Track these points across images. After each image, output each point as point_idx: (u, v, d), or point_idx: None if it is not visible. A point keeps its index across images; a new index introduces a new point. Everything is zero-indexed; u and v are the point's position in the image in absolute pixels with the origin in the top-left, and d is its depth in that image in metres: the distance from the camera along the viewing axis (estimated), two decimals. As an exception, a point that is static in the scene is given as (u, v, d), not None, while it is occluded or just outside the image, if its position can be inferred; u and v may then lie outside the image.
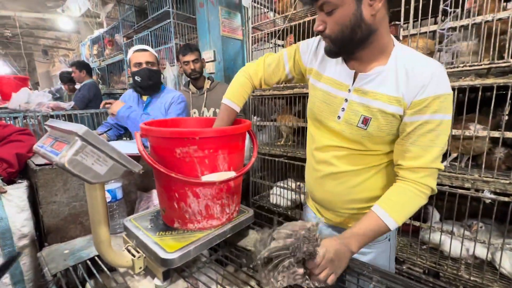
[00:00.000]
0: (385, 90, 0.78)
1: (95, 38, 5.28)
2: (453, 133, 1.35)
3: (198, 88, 2.38)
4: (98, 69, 5.31)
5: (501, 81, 1.13)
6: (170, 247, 0.80)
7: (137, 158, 0.89)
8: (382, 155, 0.89)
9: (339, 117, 0.87)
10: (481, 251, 1.38)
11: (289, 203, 2.24)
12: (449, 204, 1.58)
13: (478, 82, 1.18)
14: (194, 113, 2.36)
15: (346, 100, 0.85)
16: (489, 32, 1.18)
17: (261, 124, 2.38)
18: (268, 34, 2.26)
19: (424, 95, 0.73)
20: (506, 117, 1.32)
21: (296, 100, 2.11)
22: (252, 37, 2.30)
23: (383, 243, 0.98)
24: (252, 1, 2.25)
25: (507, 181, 1.19)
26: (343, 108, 0.86)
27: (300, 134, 2.17)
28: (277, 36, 2.15)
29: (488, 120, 1.32)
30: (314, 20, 1.82)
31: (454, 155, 1.47)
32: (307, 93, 1.86)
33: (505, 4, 1.21)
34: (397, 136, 0.83)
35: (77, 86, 4.06)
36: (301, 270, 0.71)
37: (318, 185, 1.03)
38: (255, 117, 2.37)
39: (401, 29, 1.39)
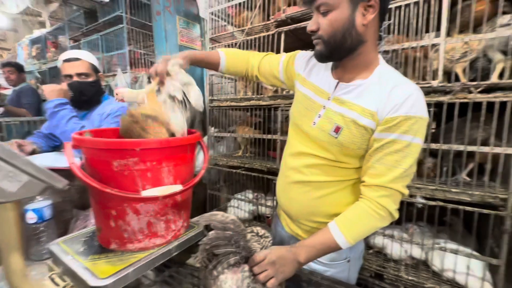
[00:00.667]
0: (362, 102, 0.80)
1: (35, 38, 4.75)
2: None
3: None
4: (38, 72, 4.76)
5: (427, 99, 1.29)
6: (103, 272, 0.71)
7: (68, 172, 0.79)
8: (352, 170, 0.89)
9: (314, 123, 0.89)
10: (417, 252, 1.52)
11: (247, 215, 2.22)
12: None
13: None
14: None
15: (324, 107, 0.88)
16: (414, 56, 1.36)
17: (219, 135, 2.35)
18: (226, 46, 2.29)
19: (396, 113, 0.74)
20: (433, 130, 1.52)
21: (254, 112, 2.14)
22: (210, 48, 2.30)
23: (342, 263, 0.96)
24: (210, 13, 2.26)
25: (434, 187, 1.34)
26: (319, 115, 0.88)
27: (258, 145, 2.19)
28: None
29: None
30: (270, 36, 1.90)
31: None
32: (265, 105, 1.94)
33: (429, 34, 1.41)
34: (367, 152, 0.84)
35: (7, 91, 3.59)
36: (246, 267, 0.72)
37: (284, 191, 1.04)
38: (212, 128, 2.33)
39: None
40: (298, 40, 1.99)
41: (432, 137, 1.36)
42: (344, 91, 0.85)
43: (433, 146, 1.34)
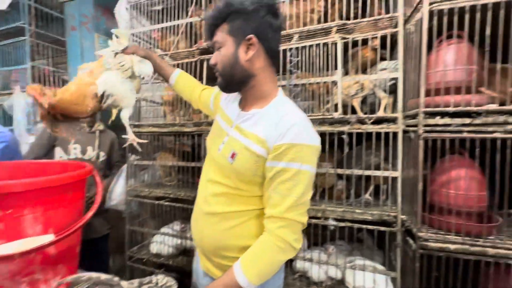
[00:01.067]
0: (255, 130, 0.85)
1: None
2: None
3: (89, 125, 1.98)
4: None
5: (330, 129, 1.44)
6: None
7: None
8: (256, 199, 0.89)
9: (219, 149, 0.93)
10: (334, 272, 1.59)
11: (172, 250, 2.02)
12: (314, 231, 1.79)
13: (316, 129, 1.47)
14: (75, 148, 1.89)
15: (228, 134, 0.93)
16: (319, 91, 1.52)
17: (140, 163, 2.15)
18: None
19: (282, 141, 0.78)
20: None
21: (180, 138, 2.04)
22: (131, 70, 2.15)
23: None
24: (131, 34, 2.14)
25: (342, 209, 1.45)
26: (223, 142, 0.92)
27: (186, 173, 2.07)
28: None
29: (332, 157, 1.67)
30: (193, 62, 1.89)
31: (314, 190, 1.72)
32: (188, 132, 1.88)
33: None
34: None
35: None
36: None
37: (196, 222, 1.00)
38: (133, 156, 2.12)
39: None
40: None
41: (339, 162, 1.50)
42: (242, 119, 0.91)
43: (339, 171, 1.47)
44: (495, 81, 1.21)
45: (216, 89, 1.20)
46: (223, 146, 0.91)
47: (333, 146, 1.65)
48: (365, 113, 1.47)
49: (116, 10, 2.23)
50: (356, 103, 1.49)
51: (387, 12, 1.42)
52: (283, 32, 1.59)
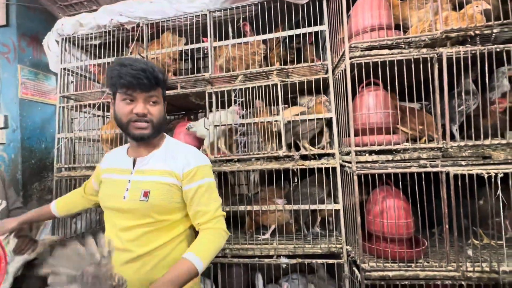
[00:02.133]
0: (158, 166, 1.02)
1: None
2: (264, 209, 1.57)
3: None
4: None
5: (278, 166, 1.49)
6: None
7: None
8: (179, 223, 1.05)
9: (124, 197, 0.99)
10: (291, 311, 1.55)
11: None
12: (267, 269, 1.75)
13: (264, 166, 1.50)
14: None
15: (129, 181, 1.02)
16: (268, 128, 1.58)
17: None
18: (87, 105, 1.98)
19: (190, 167, 1.01)
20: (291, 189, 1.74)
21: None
22: (61, 107, 1.93)
23: None
24: (62, 68, 1.96)
25: (293, 245, 1.46)
26: (127, 189, 1.01)
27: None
28: (97, 106, 1.90)
29: (281, 191, 1.71)
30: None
31: (273, 227, 1.69)
32: None
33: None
34: (182, 204, 1.04)
35: None
36: None
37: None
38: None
39: (205, 119, 1.60)
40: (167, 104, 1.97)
41: (290, 197, 1.54)
42: (143, 163, 1.05)
43: (287, 207, 1.50)
44: (407, 120, 1.43)
45: (93, 176, 1.24)
46: (128, 193, 1.00)
47: (285, 179, 1.69)
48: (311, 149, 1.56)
49: (45, 42, 2.03)
50: (305, 141, 1.58)
51: (319, 58, 1.60)
52: (230, 73, 1.65)
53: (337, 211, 1.49)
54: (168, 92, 1.76)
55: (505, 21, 1.15)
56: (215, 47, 1.75)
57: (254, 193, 1.87)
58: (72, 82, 2.02)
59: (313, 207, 1.49)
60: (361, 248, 1.28)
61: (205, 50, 1.78)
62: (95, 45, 1.99)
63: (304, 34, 1.61)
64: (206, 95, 1.65)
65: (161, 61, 1.82)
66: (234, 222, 1.70)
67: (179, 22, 1.79)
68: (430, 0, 1.24)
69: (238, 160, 1.62)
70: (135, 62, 0.95)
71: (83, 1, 1.92)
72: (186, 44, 1.83)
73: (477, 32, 1.18)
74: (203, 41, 1.75)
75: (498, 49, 1.17)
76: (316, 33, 1.72)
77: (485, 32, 1.18)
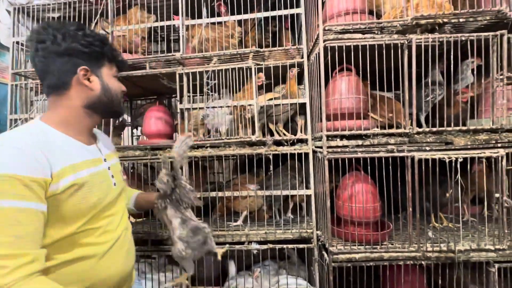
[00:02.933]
0: (109, 147, 1.07)
1: None
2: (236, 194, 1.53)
3: None
4: None
5: (250, 151, 1.45)
6: None
7: None
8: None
9: (114, 184, 0.95)
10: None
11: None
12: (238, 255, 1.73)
13: (236, 152, 1.46)
14: None
15: (109, 168, 0.95)
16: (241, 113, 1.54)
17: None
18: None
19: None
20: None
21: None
22: (14, 85, 1.75)
23: None
24: (15, 42, 1.76)
25: (264, 231, 1.45)
26: (112, 175, 0.95)
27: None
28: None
29: (255, 178, 1.69)
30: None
31: (245, 213, 1.67)
32: None
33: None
34: None
35: None
36: None
37: (121, 262, 0.94)
38: None
39: (178, 103, 1.52)
40: (136, 86, 1.86)
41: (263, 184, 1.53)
42: (103, 147, 0.99)
43: (259, 193, 1.48)
44: (377, 107, 1.46)
45: (18, 200, 0.71)
46: (115, 178, 0.96)
47: (259, 166, 1.67)
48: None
49: (-6, 12, 1.81)
50: (280, 124, 1.56)
51: (295, 44, 1.57)
52: (203, 54, 1.58)
53: (308, 197, 1.49)
54: (136, 72, 1.65)
55: (470, 10, 1.18)
56: (187, 26, 1.66)
57: (227, 180, 1.83)
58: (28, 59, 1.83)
59: (285, 193, 1.49)
60: (330, 232, 1.30)
61: (178, 30, 1.68)
62: (53, 18, 1.81)
63: (281, 18, 1.57)
64: (177, 76, 1.57)
65: (128, 38, 1.69)
66: (205, 209, 1.66)
67: (148, -3, 1.67)
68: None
69: (211, 146, 1.57)
70: (107, 37, 0.98)
71: (39, -33, 1.72)
72: (156, 21, 1.72)
73: (445, 20, 1.20)
74: (173, 19, 1.64)
75: (463, 38, 1.21)
76: (292, 18, 1.69)
77: (453, 20, 1.21)
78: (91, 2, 1.71)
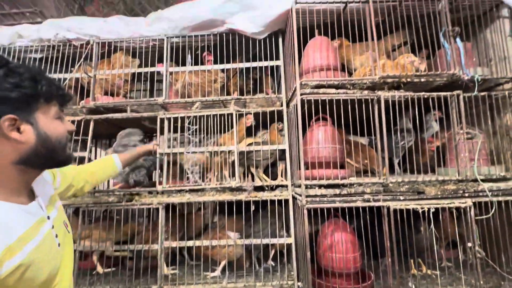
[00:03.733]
0: (48, 188, 0.85)
1: None
2: (215, 243, 1.47)
3: None
4: None
5: (230, 197, 1.43)
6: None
7: None
8: None
9: (59, 244, 0.78)
10: None
11: None
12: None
13: (216, 198, 1.43)
14: None
15: (53, 227, 0.78)
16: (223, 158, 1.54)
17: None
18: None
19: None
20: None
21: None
22: None
23: None
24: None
25: (243, 284, 1.38)
26: (56, 235, 0.78)
27: None
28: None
29: (237, 223, 1.66)
30: (83, 120, 1.63)
31: (223, 263, 1.58)
32: None
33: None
34: None
35: None
36: None
37: None
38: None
39: (157, 148, 1.51)
40: (115, 127, 1.84)
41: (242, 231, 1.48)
42: (43, 196, 0.81)
43: (239, 242, 1.44)
44: (354, 154, 1.52)
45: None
46: (59, 238, 0.79)
47: (240, 211, 1.63)
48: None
49: (-28, 51, 1.78)
50: (260, 170, 1.56)
51: (275, 90, 1.66)
52: (185, 100, 1.61)
53: (289, 245, 1.46)
54: (116, 115, 1.64)
55: (429, 72, 1.32)
56: (171, 72, 1.71)
57: (205, 225, 1.77)
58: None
59: (265, 241, 1.45)
60: (310, 285, 1.25)
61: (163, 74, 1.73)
62: (35, 59, 1.80)
63: (262, 67, 1.67)
64: (158, 120, 1.57)
65: (111, 81, 1.70)
66: (180, 258, 1.57)
67: (134, 44, 1.73)
68: (370, 48, 1.38)
69: (190, 191, 1.54)
70: (42, 70, 0.76)
71: (26, 11, 1.76)
72: (140, 66, 1.76)
73: (408, 79, 1.33)
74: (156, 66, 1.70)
75: (425, 96, 1.33)
76: (273, 66, 1.79)
77: (415, 80, 1.34)
78: (76, 45, 1.74)
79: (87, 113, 1.67)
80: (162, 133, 1.58)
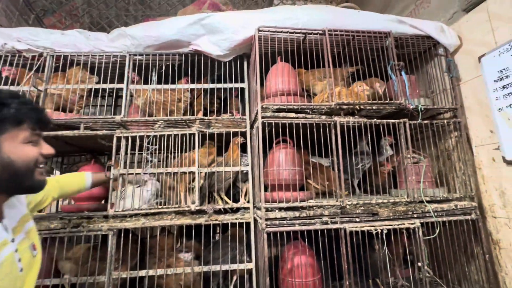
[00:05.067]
0: (20, 209, 0.84)
1: None
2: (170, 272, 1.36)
3: None
4: None
5: (189, 221, 1.36)
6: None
7: None
8: None
9: (21, 269, 0.76)
10: None
11: None
12: None
13: (173, 222, 1.36)
14: None
15: (16, 250, 0.76)
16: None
17: None
18: None
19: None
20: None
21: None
22: None
23: None
24: None
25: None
26: (20, 259, 0.76)
27: None
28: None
29: (196, 247, 1.57)
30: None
31: None
32: None
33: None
34: None
35: None
36: None
37: None
38: None
39: (112, 167, 1.41)
40: (68, 144, 1.70)
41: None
42: (10, 218, 0.80)
43: (197, 269, 1.35)
44: (315, 176, 1.56)
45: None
46: (22, 262, 0.77)
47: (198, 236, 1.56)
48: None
49: None
50: (222, 192, 1.52)
51: (243, 112, 1.67)
52: (146, 118, 1.55)
53: (250, 271, 1.41)
54: (67, 133, 1.52)
55: (379, 101, 1.43)
56: (132, 89, 1.65)
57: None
58: None
59: (224, 267, 1.38)
60: (270, 314, 1.21)
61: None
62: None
63: (227, 87, 1.68)
64: (115, 139, 1.48)
65: (65, 96, 1.59)
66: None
67: (94, 58, 1.66)
68: (327, 76, 1.48)
69: (146, 214, 1.44)
70: (19, 94, 0.76)
71: (-30, 18, 1.61)
72: (99, 83, 1.68)
73: (362, 107, 1.42)
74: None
75: (377, 122, 1.43)
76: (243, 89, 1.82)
77: (368, 107, 1.44)
78: (26, 57, 1.62)
79: (33, 129, 1.53)
80: (118, 152, 1.49)
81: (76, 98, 1.62)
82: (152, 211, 1.41)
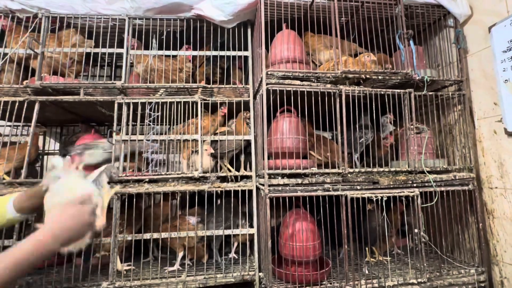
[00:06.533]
0: None
1: None
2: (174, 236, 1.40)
3: None
4: None
5: (192, 188, 1.38)
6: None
7: None
8: None
9: None
10: None
11: None
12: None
13: (176, 188, 1.37)
14: None
15: None
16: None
17: None
18: None
19: None
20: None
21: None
22: None
23: None
24: None
25: (203, 276, 1.33)
26: None
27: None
28: None
29: (198, 213, 1.60)
30: (26, 101, 1.45)
31: (181, 254, 1.51)
32: None
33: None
34: None
35: None
36: None
37: None
38: None
39: (114, 133, 1.40)
40: (66, 111, 1.67)
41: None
42: None
43: (200, 233, 1.39)
44: (317, 147, 1.57)
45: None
46: None
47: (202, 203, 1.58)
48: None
49: None
50: (225, 160, 1.53)
51: (245, 83, 1.64)
52: (147, 85, 1.51)
53: (252, 236, 1.45)
54: (67, 98, 1.49)
55: (386, 70, 1.41)
56: (132, 55, 1.60)
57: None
58: None
59: (227, 232, 1.42)
60: (271, 274, 1.26)
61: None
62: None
63: (230, 55, 1.64)
64: (116, 105, 1.46)
65: (55, 60, 1.53)
66: (136, 251, 1.47)
67: (91, 21, 1.59)
68: (334, 45, 1.44)
69: (150, 181, 1.45)
70: None
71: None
72: (97, 47, 1.61)
73: (368, 76, 1.40)
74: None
75: (382, 92, 1.42)
76: (245, 59, 1.78)
77: (373, 77, 1.42)
78: (20, 17, 1.54)
79: (31, 93, 1.49)
80: (119, 120, 1.47)
81: (69, 62, 1.56)
82: (156, 177, 1.42)
